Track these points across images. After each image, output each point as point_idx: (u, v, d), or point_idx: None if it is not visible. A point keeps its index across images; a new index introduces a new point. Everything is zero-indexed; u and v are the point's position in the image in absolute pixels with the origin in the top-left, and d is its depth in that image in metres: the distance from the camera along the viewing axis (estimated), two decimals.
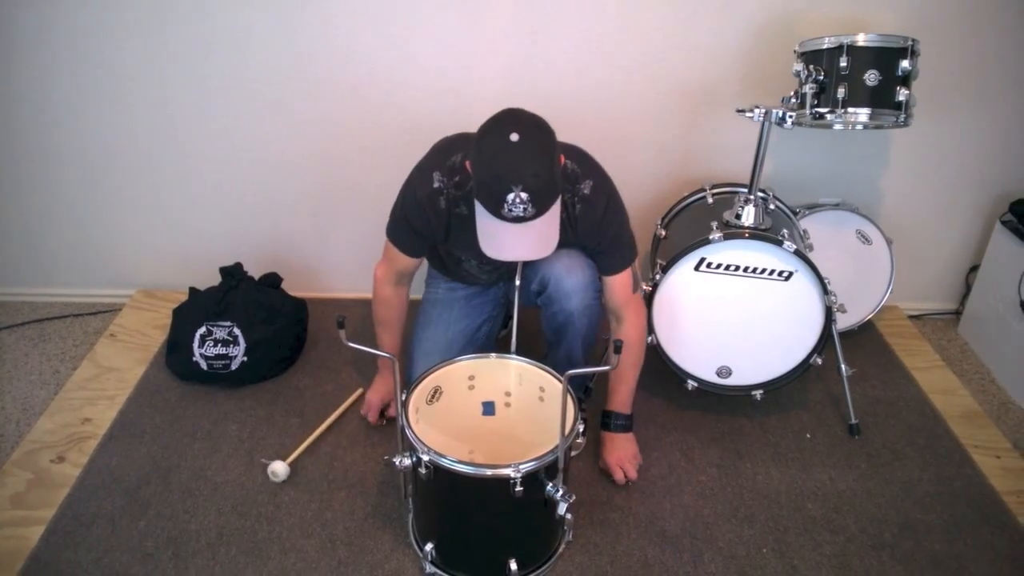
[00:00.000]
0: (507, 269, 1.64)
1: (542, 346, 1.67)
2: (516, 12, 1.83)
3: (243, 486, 1.58)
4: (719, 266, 1.64)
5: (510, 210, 1.20)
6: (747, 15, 1.86)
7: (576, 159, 1.45)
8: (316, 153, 2.04)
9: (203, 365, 1.83)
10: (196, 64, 1.90)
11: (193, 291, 1.97)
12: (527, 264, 1.56)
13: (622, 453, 1.60)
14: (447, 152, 1.44)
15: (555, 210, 1.27)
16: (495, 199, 1.21)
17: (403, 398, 1.32)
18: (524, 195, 1.19)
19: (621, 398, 1.62)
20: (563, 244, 1.50)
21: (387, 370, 1.74)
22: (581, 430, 1.33)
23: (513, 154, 1.19)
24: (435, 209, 1.44)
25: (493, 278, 1.68)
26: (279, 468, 1.58)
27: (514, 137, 1.19)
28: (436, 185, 1.42)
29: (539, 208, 1.22)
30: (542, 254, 1.29)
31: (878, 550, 1.48)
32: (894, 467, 1.69)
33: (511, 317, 1.58)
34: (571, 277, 1.51)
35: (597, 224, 1.45)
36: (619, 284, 1.53)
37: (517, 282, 1.51)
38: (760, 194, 1.71)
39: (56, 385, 1.90)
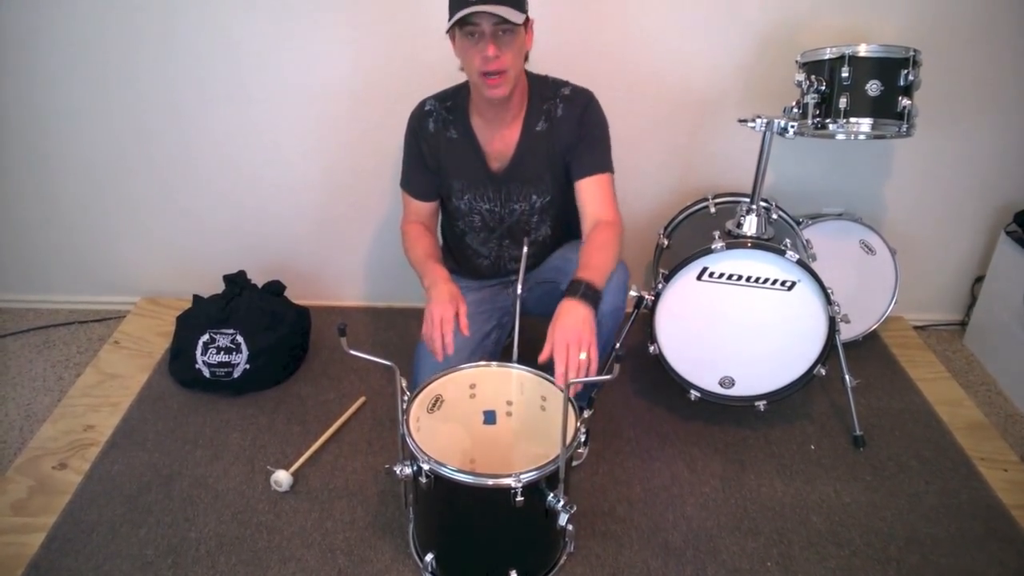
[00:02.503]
0: (511, 254, 1.66)
1: None
2: None
3: (244, 494, 1.57)
4: (722, 276, 1.64)
5: None
6: (749, 25, 1.87)
7: (558, 77, 1.56)
8: (319, 162, 2.06)
9: (206, 372, 1.83)
10: (201, 72, 1.92)
11: (197, 298, 1.98)
12: (543, 266, 1.59)
13: (572, 329, 1.26)
14: (446, 89, 1.55)
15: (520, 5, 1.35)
16: None
17: (404, 406, 1.32)
18: None
19: (592, 272, 1.36)
20: (547, 153, 1.54)
21: (439, 285, 1.45)
22: (583, 440, 1.32)
23: None
24: (424, 132, 1.54)
25: (495, 250, 1.69)
26: (282, 478, 1.57)
27: None
28: (427, 108, 1.55)
29: None
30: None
31: (884, 564, 1.47)
32: (899, 479, 1.67)
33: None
34: (609, 278, 1.44)
35: (579, 117, 1.51)
36: (599, 187, 1.51)
37: (519, 290, 1.50)
38: (763, 204, 1.71)
39: (60, 392, 1.90)
